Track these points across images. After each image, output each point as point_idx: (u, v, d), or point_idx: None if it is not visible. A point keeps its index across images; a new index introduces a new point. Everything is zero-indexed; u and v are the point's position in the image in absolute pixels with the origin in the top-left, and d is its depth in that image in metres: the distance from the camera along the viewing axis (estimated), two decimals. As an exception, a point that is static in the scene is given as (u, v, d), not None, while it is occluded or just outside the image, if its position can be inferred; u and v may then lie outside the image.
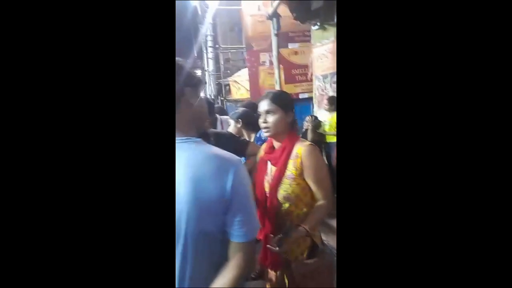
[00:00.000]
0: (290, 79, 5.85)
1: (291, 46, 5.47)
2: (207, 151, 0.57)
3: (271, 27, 2.67)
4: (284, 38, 5.48)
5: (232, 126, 1.69)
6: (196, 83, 0.61)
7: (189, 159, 0.55)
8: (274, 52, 2.73)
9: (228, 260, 0.55)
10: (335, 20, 2.33)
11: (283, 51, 5.56)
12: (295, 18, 2.53)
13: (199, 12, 5.92)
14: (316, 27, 2.43)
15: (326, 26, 2.40)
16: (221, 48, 6.54)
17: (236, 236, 0.54)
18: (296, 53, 5.50)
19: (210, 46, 6.29)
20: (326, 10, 2.22)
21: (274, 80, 5.80)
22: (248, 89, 5.87)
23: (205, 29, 6.18)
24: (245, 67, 7.07)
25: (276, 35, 2.64)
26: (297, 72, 5.64)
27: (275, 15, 2.47)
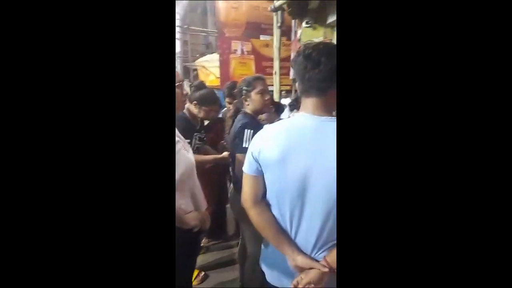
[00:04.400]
0: (260, 71, 5.93)
1: (263, 37, 5.53)
2: None
3: (275, 19, 2.75)
4: (256, 29, 5.51)
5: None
6: None
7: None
8: (276, 44, 2.81)
9: None
10: (327, 21, 2.54)
11: (255, 42, 5.60)
12: (289, 13, 2.65)
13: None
14: (307, 25, 2.62)
15: (316, 25, 2.61)
16: (190, 30, 6.12)
17: None
18: (267, 45, 5.60)
19: (178, 26, 5.79)
20: (320, 10, 2.42)
21: (245, 70, 5.79)
22: (218, 76, 5.73)
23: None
24: (209, 53, 6.81)
25: (280, 27, 2.74)
26: (267, 64, 5.75)
27: (280, 8, 2.57)
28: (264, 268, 0.94)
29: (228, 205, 2.23)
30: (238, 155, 1.35)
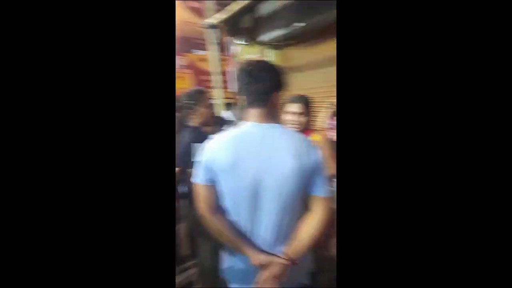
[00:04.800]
0: (198, 85, 5.93)
1: (195, 52, 5.57)
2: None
3: (212, 36, 2.85)
4: (188, 44, 5.53)
5: None
6: None
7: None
8: (216, 58, 2.94)
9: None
10: (260, 39, 2.76)
11: (192, 56, 5.61)
12: (224, 31, 2.80)
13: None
14: (246, 43, 2.82)
15: (252, 43, 2.82)
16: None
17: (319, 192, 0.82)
18: (202, 59, 5.65)
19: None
20: (252, 29, 2.63)
21: (183, 84, 5.71)
22: (153, 90, 5.44)
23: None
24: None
25: (219, 43, 2.86)
26: (204, 78, 5.80)
27: (215, 26, 2.69)
28: (226, 277, 0.96)
29: (177, 226, 2.12)
30: (191, 170, 1.34)
